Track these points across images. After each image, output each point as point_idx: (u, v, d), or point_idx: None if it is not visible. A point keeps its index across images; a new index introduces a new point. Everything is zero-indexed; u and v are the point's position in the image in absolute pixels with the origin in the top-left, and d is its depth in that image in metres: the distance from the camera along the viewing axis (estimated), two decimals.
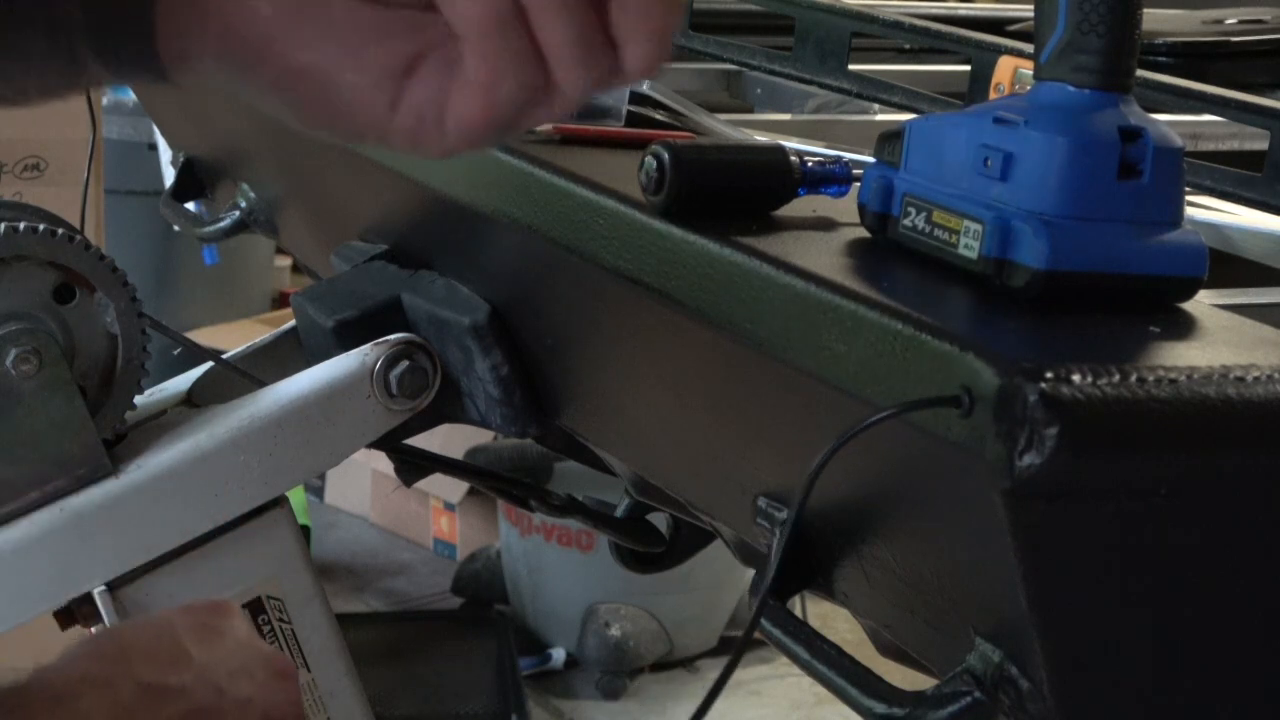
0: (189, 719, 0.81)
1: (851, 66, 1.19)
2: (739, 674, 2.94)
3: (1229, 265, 0.96)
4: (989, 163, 0.78)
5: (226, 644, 0.86)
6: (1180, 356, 0.70)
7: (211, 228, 1.61)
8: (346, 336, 1.16)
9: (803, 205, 0.91)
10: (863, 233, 0.87)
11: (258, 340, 1.27)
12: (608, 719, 2.83)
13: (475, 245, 1.12)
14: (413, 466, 1.30)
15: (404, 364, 1.11)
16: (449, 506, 3.31)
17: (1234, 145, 1.26)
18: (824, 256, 0.83)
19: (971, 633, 0.76)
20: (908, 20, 1.21)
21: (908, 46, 1.51)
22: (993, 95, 1.10)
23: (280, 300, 4.04)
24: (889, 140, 0.85)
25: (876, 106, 1.33)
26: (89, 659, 0.81)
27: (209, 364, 1.19)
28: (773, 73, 1.25)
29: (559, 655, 2.93)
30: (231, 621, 0.89)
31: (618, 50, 0.64)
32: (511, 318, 1.12)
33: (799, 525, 0.84)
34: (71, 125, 2.03)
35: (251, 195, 1.57)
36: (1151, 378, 0.68)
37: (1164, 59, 1.35)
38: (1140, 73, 0.81)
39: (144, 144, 3.38)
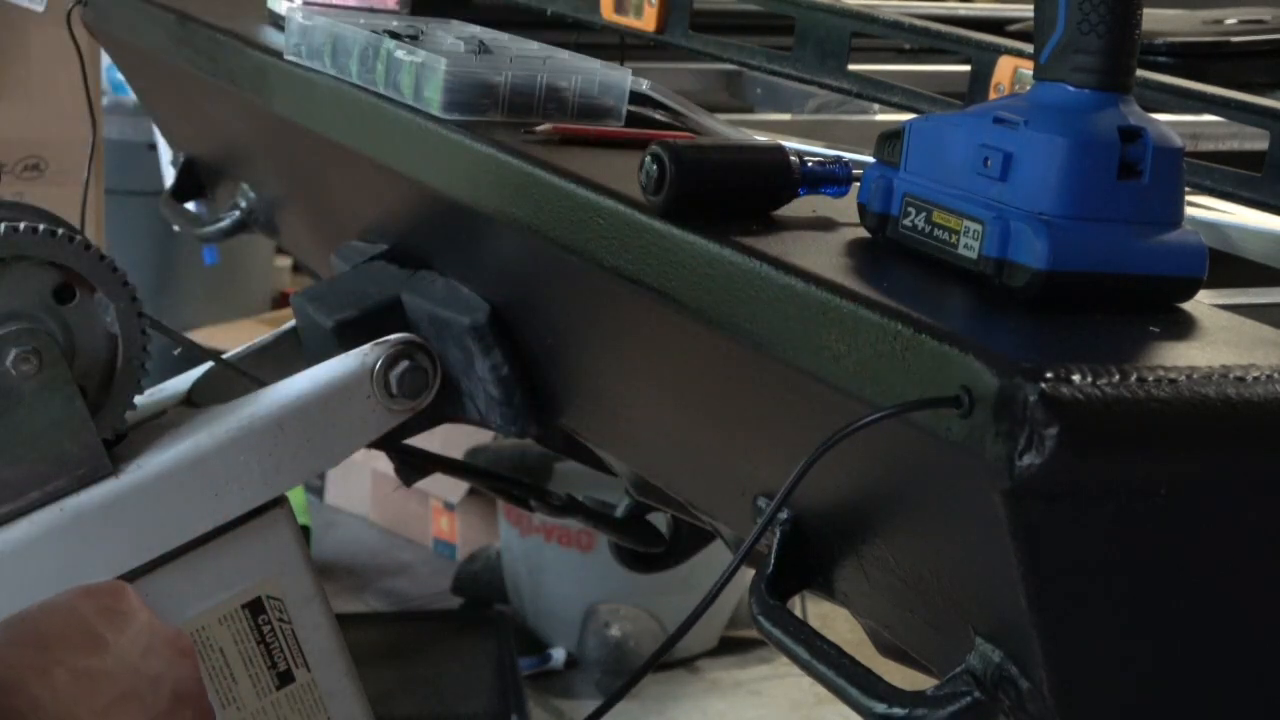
0: (121, 704, 0.84)
1: (851, 66, 1.19)
2: (739, 674, 2.94)
3: (1229, 265, 0.96)
4: (989, 163, 0.78)
5: (133, 625, 0.89)
6: (1180, 356, 0.70)
7: (211, 228, 1.62)
8: (347, 336, 1.16)
9: (803, 205, 0.91)
10: (863, 233, 0.87)
11: (258, 340, 1.27)
12: (608, 719, 2.83)
13: (475, 245, 1.12)
14: (413, 466, 1.30)
15: (404, 364, 1.11)
16: (449, 506, 3.31)
17: (1234, 145, 1.26)
18: (824, 256, 0.83)
19: (971, 633, 0.76)
20: (908, 20, 1.21)
21: (908, 46, 1.51)
22: (993, 95, 1.10)
23: (280, 300, 4.04)
24: (889, 140, 0.85)
25: (876, 106, 1.33)
26: (11, 648, 0.82)
27: (209, 364, 1.19)
28: (773, 73, 1.25)
29: (559, 655, 2.93)
30: (131, 602, 0.91)
31: None
32: (511, 318, 1.12)
33: (776, 509, 0.84)
34: (71, 125, 2.03)
35: (251, 195, 1.57)
36: (1151, 378, 0.68)
37: (1164, 59, 1.35)
38: (1140, 73, 0.81)
39: (144, 144, 3.38)
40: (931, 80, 1.24)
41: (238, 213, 1.57)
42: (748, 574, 0.89)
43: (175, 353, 1.27)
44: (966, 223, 0.78)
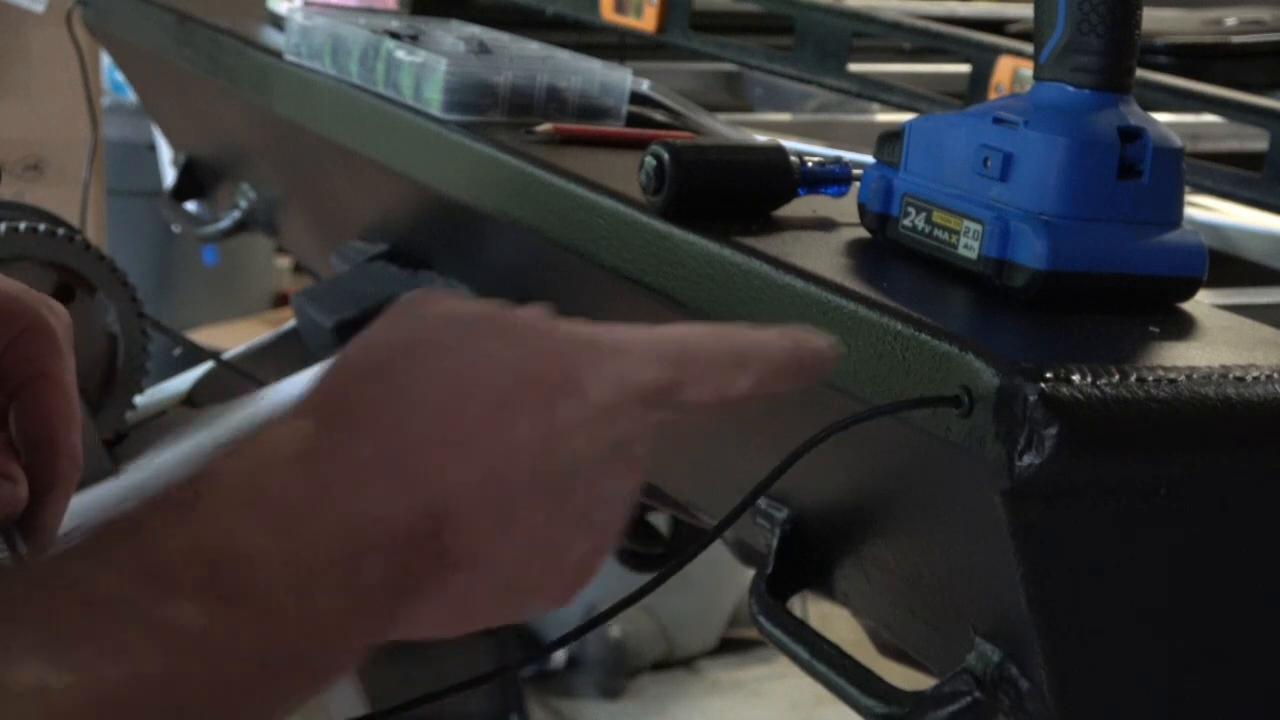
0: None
1: (851, 66, 1.19)
2: (739, 674, 2.94)
3: (1229, 265, 0.96)
4: (989, 163, 0.78)
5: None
6: (1180, 356, 0.70)
7: (211, 228, 1.62)
8: (347, 336, 1.16)
9: (803, 205, 0.91)
10: (863, 233, 0.87)
11: (258, 340, 1.27)
12: (608, 719, 2.83)
13: (475, 245, 1.12)
14: None
15: None
16: None
17: (1234, 145, 1.26)
18: (824, 256, 0.83)
19: (971, 633, 0.76)
20: (908, 20, 1.21)
21: (908, 46, 1.51)
22: (993, 95, 1.10)
23: (280, 300, 4.03)
24: (889, 140, 0.85)
25: (876, 106, 1.33)
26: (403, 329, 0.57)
27: (209, 364, 1.19)
28: (773, 73, 1.25)
29: (559, 655, 2.93)
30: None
31: None
32: None
33: (755, 495, 0.84)
34: (71, 125, 2.03)
35: (251, 195, 1.57)
36: (1151, 378, 0.67)
37: (1164, 59, 1.35)
38: (1140, 73, 0.81)
39: (144, 144, 3.38)
40: (931, 80, 1.24)
41: (238, 213, 1.57)
42: (748, 574, 0.89)
43: (175, 353, 1.27)
44: (966, 223, 0.78)
